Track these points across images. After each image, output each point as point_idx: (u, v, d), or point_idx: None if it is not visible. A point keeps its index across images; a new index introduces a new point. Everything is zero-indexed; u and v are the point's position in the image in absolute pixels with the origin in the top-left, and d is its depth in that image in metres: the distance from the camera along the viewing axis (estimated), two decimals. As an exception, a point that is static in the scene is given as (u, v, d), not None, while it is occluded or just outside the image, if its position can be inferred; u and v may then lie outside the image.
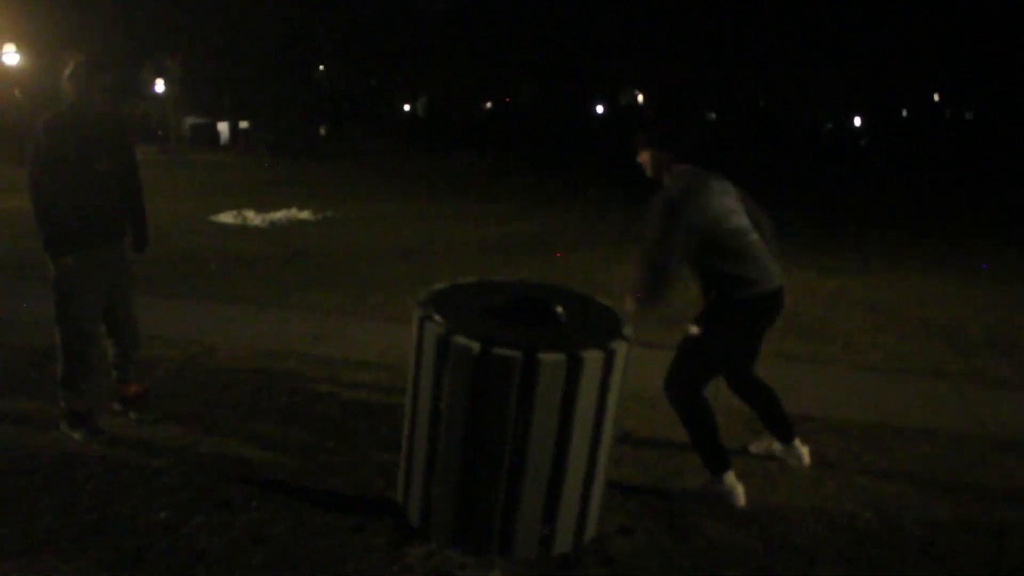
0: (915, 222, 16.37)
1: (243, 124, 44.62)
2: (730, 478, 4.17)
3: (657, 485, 4.30)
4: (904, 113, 57.52)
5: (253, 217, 14.21)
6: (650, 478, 4.38)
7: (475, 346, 3.13)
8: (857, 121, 56.76)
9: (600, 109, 57.46)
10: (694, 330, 4.14)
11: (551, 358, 3.12)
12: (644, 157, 4.29)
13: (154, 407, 4.99)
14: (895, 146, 42.88)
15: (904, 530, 4.02)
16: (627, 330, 3.44)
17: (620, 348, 3.30)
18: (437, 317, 3.34)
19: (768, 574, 3.57)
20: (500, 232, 13.38)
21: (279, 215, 14.52)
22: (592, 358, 3.19)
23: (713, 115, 52.40)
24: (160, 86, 42.09)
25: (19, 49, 29.92)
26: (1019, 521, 4.17)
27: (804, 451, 4.67)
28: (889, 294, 9.25)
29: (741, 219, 4.21)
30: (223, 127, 45.85)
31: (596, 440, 3.34)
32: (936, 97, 57.70)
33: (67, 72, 4.52)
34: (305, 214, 14.82)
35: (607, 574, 3.49)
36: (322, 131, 43.55)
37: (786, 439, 4.66)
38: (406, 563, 3.50)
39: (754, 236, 4.23)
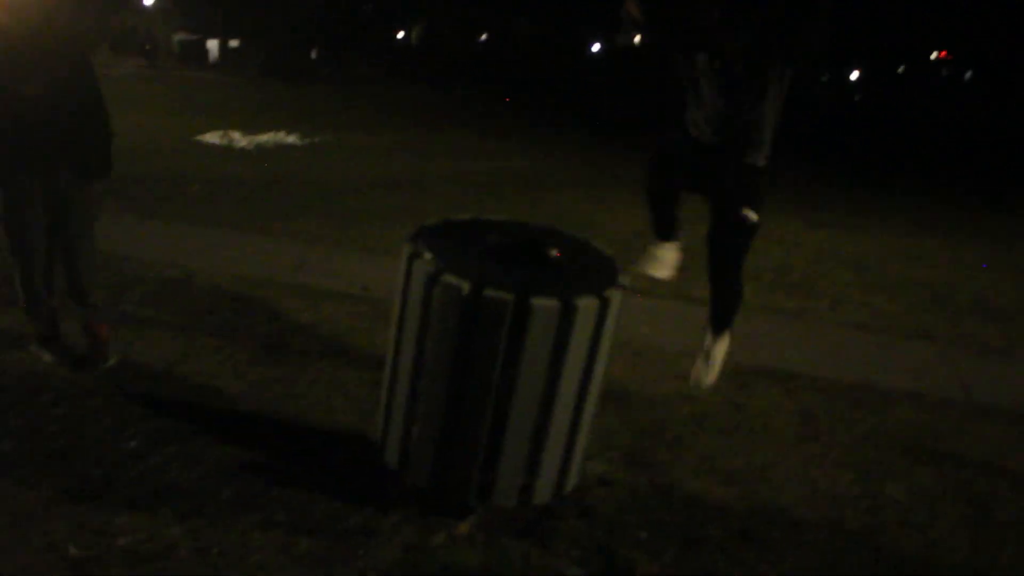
0: (907, 180, 16.27)
1: (233, 43, 43.83)
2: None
3: (639, 436, 4.23)
4: (900, 69, 57.12)
5: (239, 139, 13.94)
6: (633, 429, 4.30)
7: (465, 286, 3.01)
8: (854, 75, 56.36)
9: (596, 47, 56.75)
10: (753, 216, 4.12)
11: (543, 303, 3.00)
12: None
13: (115, 351, 4.55)
14: (889, 102, 42.63)
15: (886, 495, 3.97)
16: (623, 279, 3.32)
17: (615, 297, 3.18)
18: (427, 254, 3.21)
19: (749, 536, 3.51)
20: (490, 168, 13.19)
21: (266, 138, 14.26)
22: (586, 305, 3.07)
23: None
24: (149, -1, 41.19)
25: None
26: (1000, 491, 4.14)
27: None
28: (879, 252, 9.18)
29: None
30: (212, 44, 44.99)
31: (584, 391, 3.23)
32: (933, 56, 57.26)
33: None
34: (293, 138, 14.56)
35: (586, 526, 3.42)
36: (313, 54, 42.87)
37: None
38: (380, 505, 3.42)
39: None
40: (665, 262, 4.59)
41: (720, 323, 4.58)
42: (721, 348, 4.58)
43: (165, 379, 4.40)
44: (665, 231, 4.55)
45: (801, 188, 12.98)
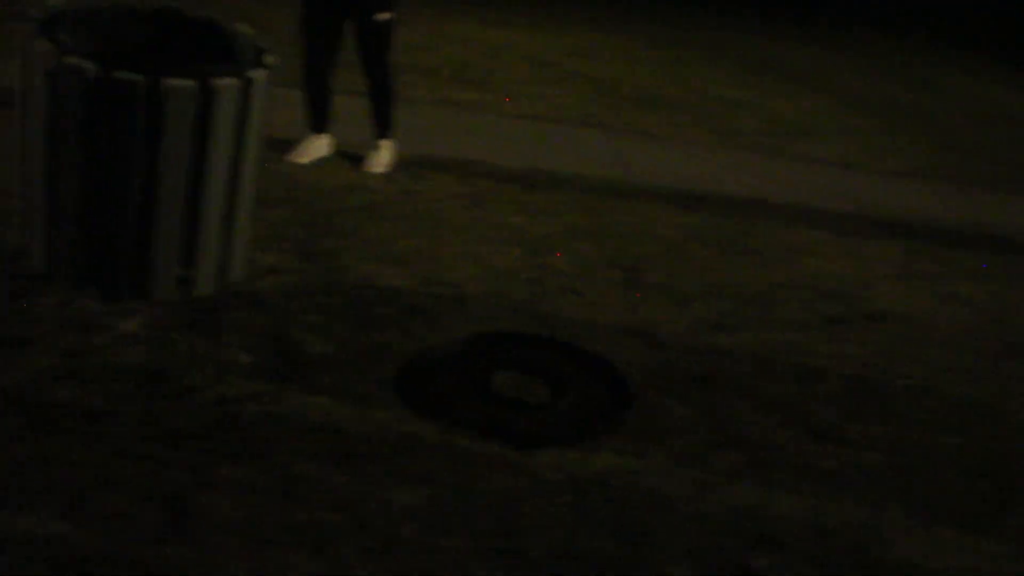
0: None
1: None
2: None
3: (311, 227, 4.18)
4: None
5: None
6: (304, 221, 4.24)
7: (91, 69, 2.75)
8: None
9: None
10: (386, 16, 4.73)
11: (178, 84, 2.81)
12: None
13: None
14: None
15: (550, 266, 4.22)
16: (269, 59, 3.17)
17: (259, 77, 3.04)
18: (48, 36, 2.89)
19: (419, 311, 3.62)
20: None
21: None
22: (226, 86, 2.91)
23: None
24: None
25: None
26: (649, 256, 4.51)
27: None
28: (554, 50, 9.38)
29: None
30: None
31: (236, 176, 3.12)
32: None
33: None
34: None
35: (255, 315, 3.38)
36: None
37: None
38: (36, 313, 3.18)
39: None
40: (312, 151, 4.97)
41: (381, 122, 4.96)
42: (383, 150, 4.98)
43: None
44: (320, 122, 4.98)
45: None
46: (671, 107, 7.58)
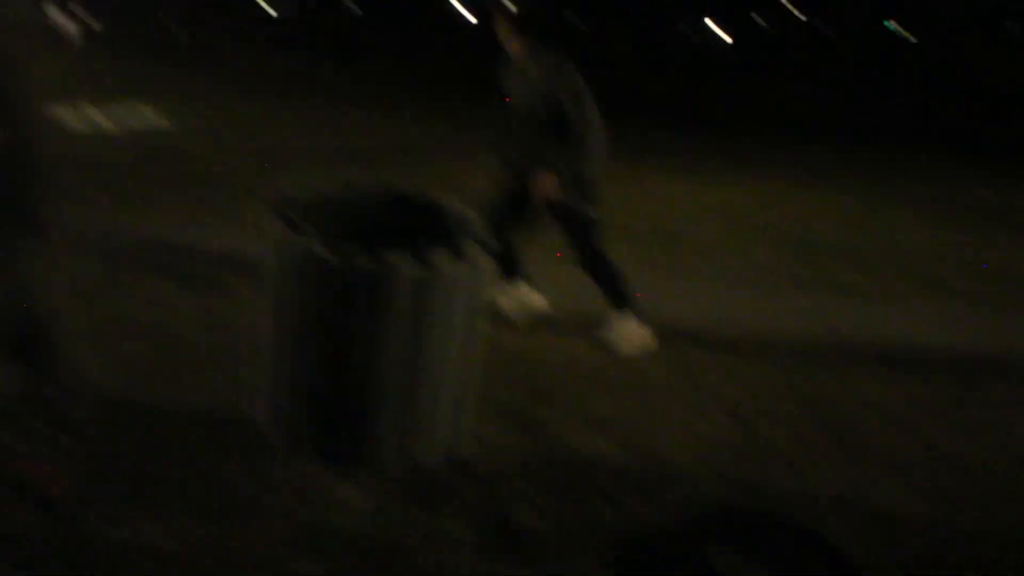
0: (761, 126, 16.68)
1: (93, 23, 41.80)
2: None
3: (523, 395, 4.31)
4: (762, 22, 57.99)
5: (98, 118, 13.33)
6: (516, 388, 4.38)
7: (322, 250, 3.02)
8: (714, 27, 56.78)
9: (469, 16, 56.31)
10: (590, 208, 4.82)
11: (402, 266, 3.03)
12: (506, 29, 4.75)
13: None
14: (756, 55, 43.45)
15: (763, 438, 4.15)
16: (487, 237, 3.37)
17: (479, 256, 3.24)
18: (287, 223, 3.20)
19: (632, 484, 3.63)
20: (369, 141, 12.98)
21: (129, 117, 13.71)
22: (447, 267, 3.11)
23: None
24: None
25: None
26: (865, 422, 4.40)
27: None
28: (743, 201, 9.44)
29: None
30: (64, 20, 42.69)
31: (460, 355, 3.29)
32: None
33: None
34: (161, 119, 14.02)
35: (474, 489, 3.47)
36: (175, 30, 41.33)
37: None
38: (266, 480, 3.39)
39: None
40: (511, 304, 5.24)
41: (612, 301, 5.00)
42: (622, 323, 5.03)
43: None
44: (508, 269, 5.19)
45: (663, 140, 13.18)
46: (867, 257, 7.46)
